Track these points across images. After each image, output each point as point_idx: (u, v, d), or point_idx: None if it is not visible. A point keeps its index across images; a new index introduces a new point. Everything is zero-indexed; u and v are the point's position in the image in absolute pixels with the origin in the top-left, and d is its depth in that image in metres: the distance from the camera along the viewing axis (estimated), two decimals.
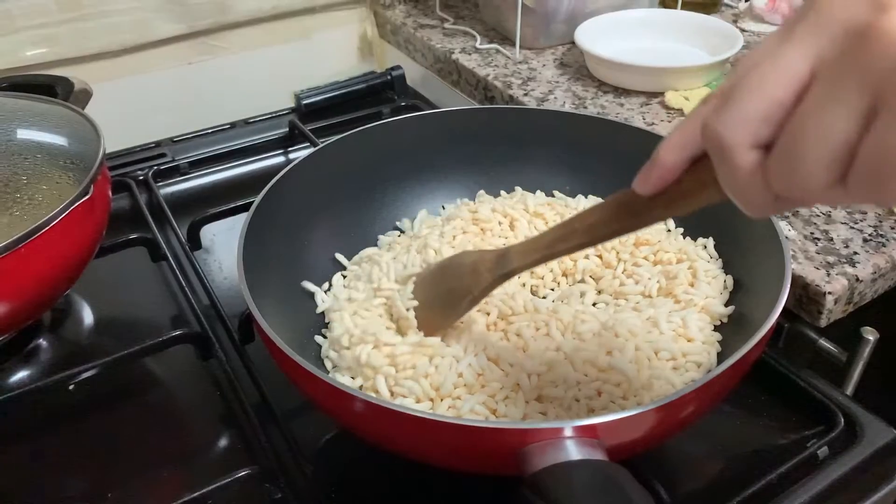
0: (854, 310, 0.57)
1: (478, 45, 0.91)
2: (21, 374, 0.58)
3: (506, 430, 0.38)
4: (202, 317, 0.61)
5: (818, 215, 0.61)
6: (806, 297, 0.55)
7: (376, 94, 0.96)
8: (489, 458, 0.39)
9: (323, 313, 0.56)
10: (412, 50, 0.98)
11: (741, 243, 0.54)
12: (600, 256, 0.59)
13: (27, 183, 0.58)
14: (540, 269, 0.58)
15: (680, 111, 0.76)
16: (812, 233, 0.59)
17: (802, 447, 0.49)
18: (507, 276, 0.47)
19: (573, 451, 0.35)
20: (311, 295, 0.57)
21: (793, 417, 0.52)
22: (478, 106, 0.85)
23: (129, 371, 0.57)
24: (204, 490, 0.47)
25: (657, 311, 0.51)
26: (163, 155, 0.84)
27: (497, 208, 0.62)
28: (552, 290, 0.58)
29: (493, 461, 0.40)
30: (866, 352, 0.57)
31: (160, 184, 0.79)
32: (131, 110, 0.87)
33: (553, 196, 0.65)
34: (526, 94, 0.80)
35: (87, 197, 0.54)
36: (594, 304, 0.56)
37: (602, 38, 0.83)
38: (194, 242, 0.70)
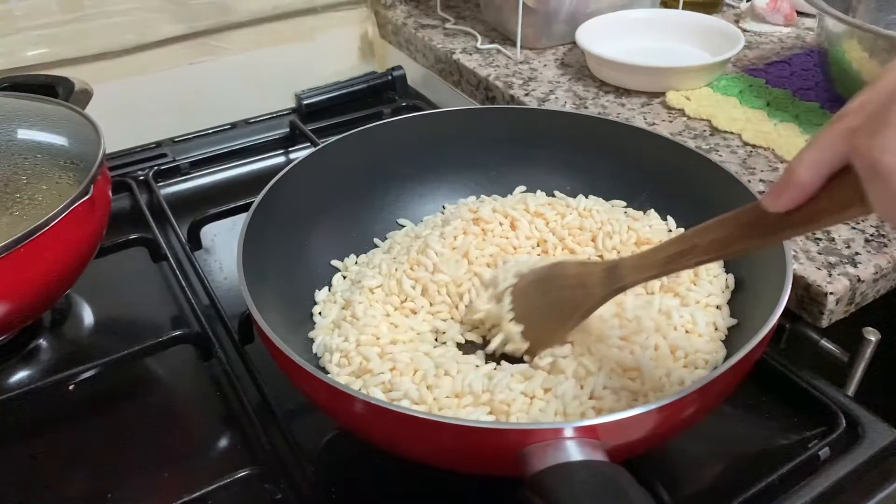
0: (856, 310, 0.56)
1: (479, 45, 0.91)
2: (21, 375, 0.58)
3: (506, 430, 0.38)
4: (202, 317, 0.61)
5: None
6: (807, 297, 0.55)
7: (377, 94, 0.97)
8: (490, 458, 0.39)
9: (323, 313, 0.56)
10: (413, 50, 0.98)
11: None
12: (601, 257, 0.59)
13: (27, 183, 0.58)
14: None
15: (681, 111, 0.75)
16: (813, 233, 0.58)
17: (804, 448, 0.49)
18: (619, 290, 0.46)
19: (574, 452, 0.35)
20: (312, 295, 0.57)
21: (794, 418, 0.52)
22: (479, 106, 0.85)
23: (129, 371, 0.57)
24: (204, 490, 0.47)
25: (669, 304, 0.51)
26: (163, 155, 0.84)
27: (498, 209, 0.61)
28: None
29: (494, 462, 0.39)
30: (868, 352, 0.57)
31: (161, 184, 0.79)
32: (132, 110, 0.87)
33: (554, 196, 0.65)
34: (527, 95, 0.80)
35: (87, 197, 0.54)
36: None
37: (603, 38, 0.83)
38: (195, 242, 0.70)
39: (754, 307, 0.50)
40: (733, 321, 0.52)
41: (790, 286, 0.45)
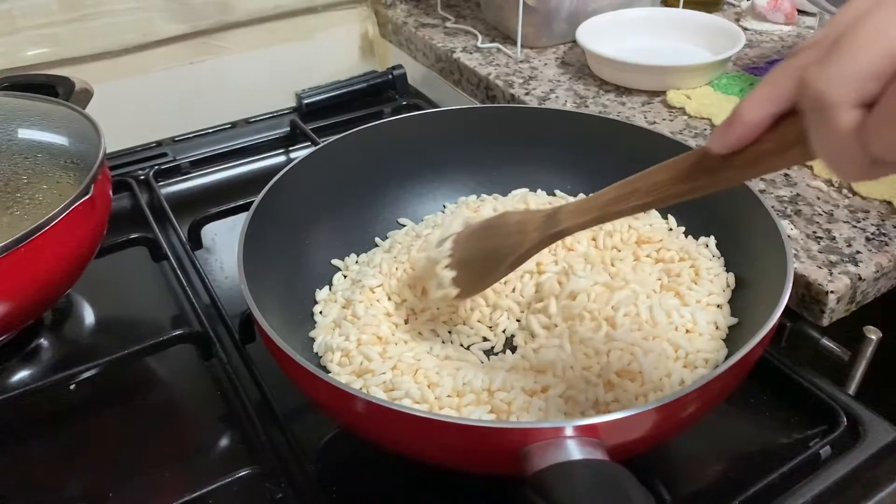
0: (856, 309, 0.56)
1: (479, 44, 0.91)
2: (22, 374, 0.58)
3: (507, 429, 0.38)
4: (203, 316, 0.61)
5: (820, 214, 0.60)
6: (808, 296, 0.55)
7: (377, 93, 0.96)
8: (490, 457, 0.39)
9: (323, 313, 0.56)
10: (413, 49, 0.97)
11: (743, 242, 0.54)
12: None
13: (28, 182, 0.58)
14: (542, 266, 0.58)
15: (682, 110, 0.75)
16: (814, 231, 0.58)
17: (805, 447, 0.49)
18: (556, 236, 0.45)
19: (574, 451, 0.35)
20: (313, 294, 0.57)
21: (795, 417, 0.52)
22: (479, 105, 0.85)
23: (129, 371, 0.57)
24: (205, 490, 0.47)
25: (669, 303, 0.51)
26: (164, 154, 0.84)
27: (498, 208, 0.61)
28: None
29: (495, 461, 0.39)
30: (869, 351, 0.57)
31: (161, 183, 0.79)
32: (132, 110, 0.87)
33: (554, 195, 0.65)
34: (527, 94, 0.80)
35: (87, 196, 0.54)
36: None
37: (604, 36, 0.83)
38: (195, 242, 0.70)
39: (755, 306, 0.50)
40: (734, 320, 0.52)
41: (791, 285, 0.44)
